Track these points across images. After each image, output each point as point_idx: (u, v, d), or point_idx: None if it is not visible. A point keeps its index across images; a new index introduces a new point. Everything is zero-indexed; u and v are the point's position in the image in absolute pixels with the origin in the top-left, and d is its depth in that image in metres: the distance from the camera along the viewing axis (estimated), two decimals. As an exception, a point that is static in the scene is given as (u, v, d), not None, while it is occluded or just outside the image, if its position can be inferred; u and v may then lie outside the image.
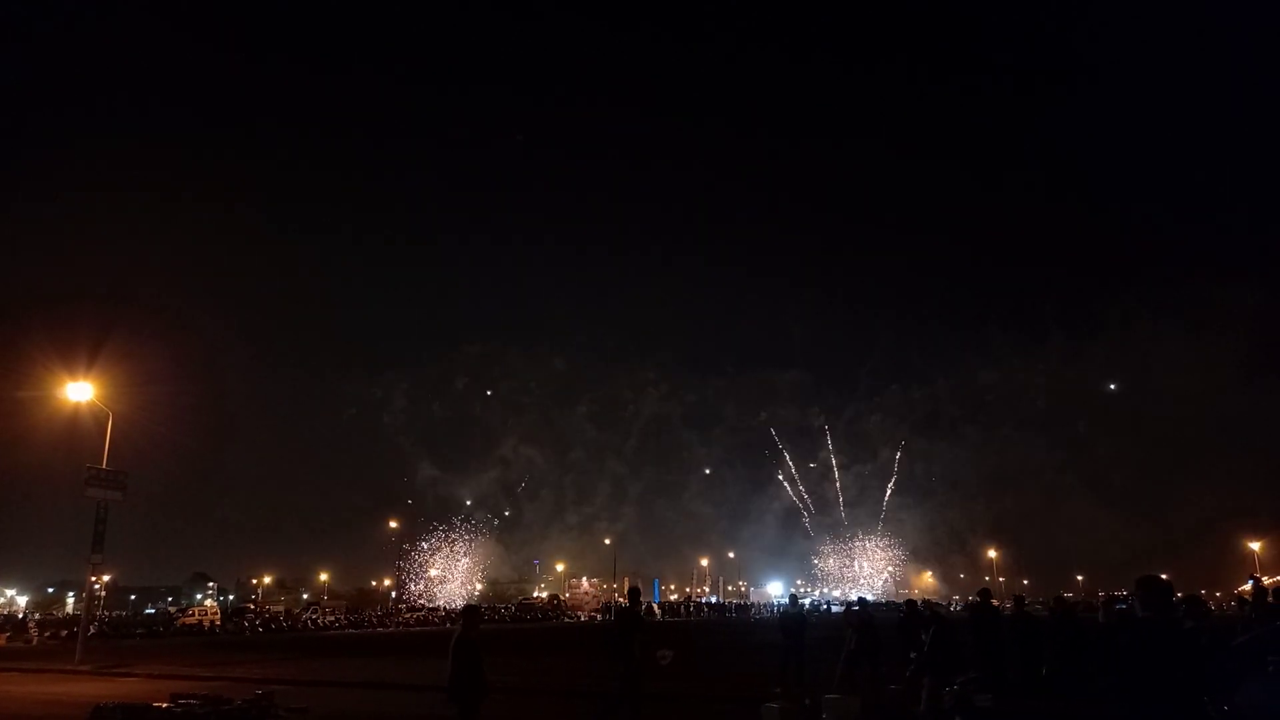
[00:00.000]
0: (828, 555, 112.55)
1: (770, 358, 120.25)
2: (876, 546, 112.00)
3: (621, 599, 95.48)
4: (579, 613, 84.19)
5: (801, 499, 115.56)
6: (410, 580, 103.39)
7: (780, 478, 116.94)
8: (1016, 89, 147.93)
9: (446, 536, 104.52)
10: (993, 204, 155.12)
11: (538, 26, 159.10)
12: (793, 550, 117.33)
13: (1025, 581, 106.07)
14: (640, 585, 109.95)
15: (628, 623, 12.60)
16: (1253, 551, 75.20)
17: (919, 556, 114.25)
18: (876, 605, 76.05)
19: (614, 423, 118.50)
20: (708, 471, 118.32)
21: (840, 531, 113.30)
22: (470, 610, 10.31)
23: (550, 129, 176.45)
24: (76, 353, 36.63)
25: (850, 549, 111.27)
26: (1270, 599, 15.05)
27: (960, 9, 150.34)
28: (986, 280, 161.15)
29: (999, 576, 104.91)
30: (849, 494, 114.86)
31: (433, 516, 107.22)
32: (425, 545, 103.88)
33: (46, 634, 52.04)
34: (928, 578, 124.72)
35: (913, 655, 13.48)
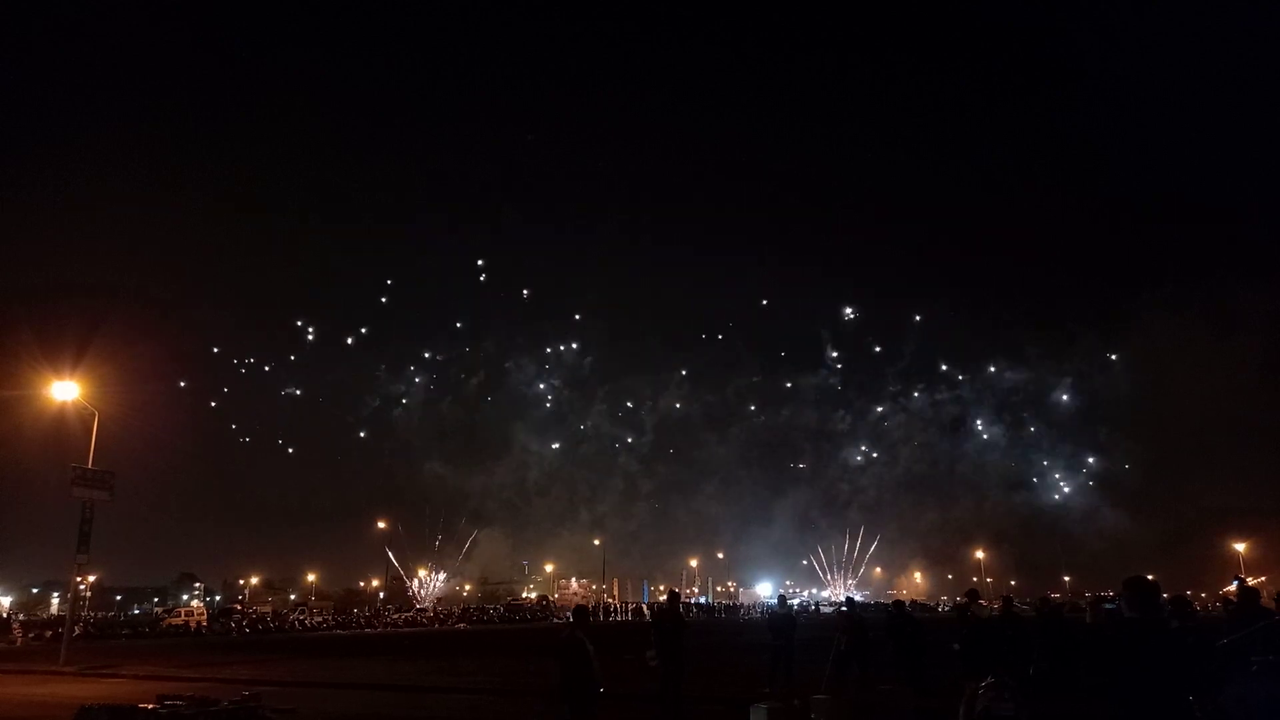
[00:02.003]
0: (830, 555, 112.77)
1: (797, 359, 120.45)
2: (885, 547, 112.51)
3: (611, 599, 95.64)
4: (568, 614, 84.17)
5: (816, 501, 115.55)
6: (400, 580, 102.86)
7: (795, 479, 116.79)
8: (1043, 87, 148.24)
9: (449, 536, 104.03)
10: (1019, 207, 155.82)
11: (549, 25, 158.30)
12: (804, 553, 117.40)
13: (1013, 582, 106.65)
14: (630, 586, 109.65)
15: (674, 621, 13.70)
16: (1237, 552, 75.86)
17: (930, 556, 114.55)
18: (865, 606, 76.26)
19: (631, 421, 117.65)
20: (721, 472, 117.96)
21: (852, 533, 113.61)
22: (580, 610, 10.62)
23: (568, 124, 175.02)
24: (62, 351, 36.51)
25: (855, 549, 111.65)
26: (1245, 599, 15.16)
27: (982, 8, 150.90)
28: (1013, 282, 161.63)
29: (987, 577, 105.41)
30: (868, 495, 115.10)
31: (435, 515, 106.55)
32: (420, 545, 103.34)
33: (31, 635, 51.66)
34: (916, 578, 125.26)
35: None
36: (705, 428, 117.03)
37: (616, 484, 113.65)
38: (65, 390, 31.70)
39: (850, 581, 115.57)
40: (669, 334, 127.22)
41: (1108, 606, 17.86)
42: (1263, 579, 67.04)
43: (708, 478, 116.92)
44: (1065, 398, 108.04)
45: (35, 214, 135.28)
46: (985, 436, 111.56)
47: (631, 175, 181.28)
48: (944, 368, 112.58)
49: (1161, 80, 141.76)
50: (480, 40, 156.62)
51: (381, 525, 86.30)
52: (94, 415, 31.57)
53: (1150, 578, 6.06)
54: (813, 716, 13.14)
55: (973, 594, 17.63)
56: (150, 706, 13.78)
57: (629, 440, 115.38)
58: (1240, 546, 76.25)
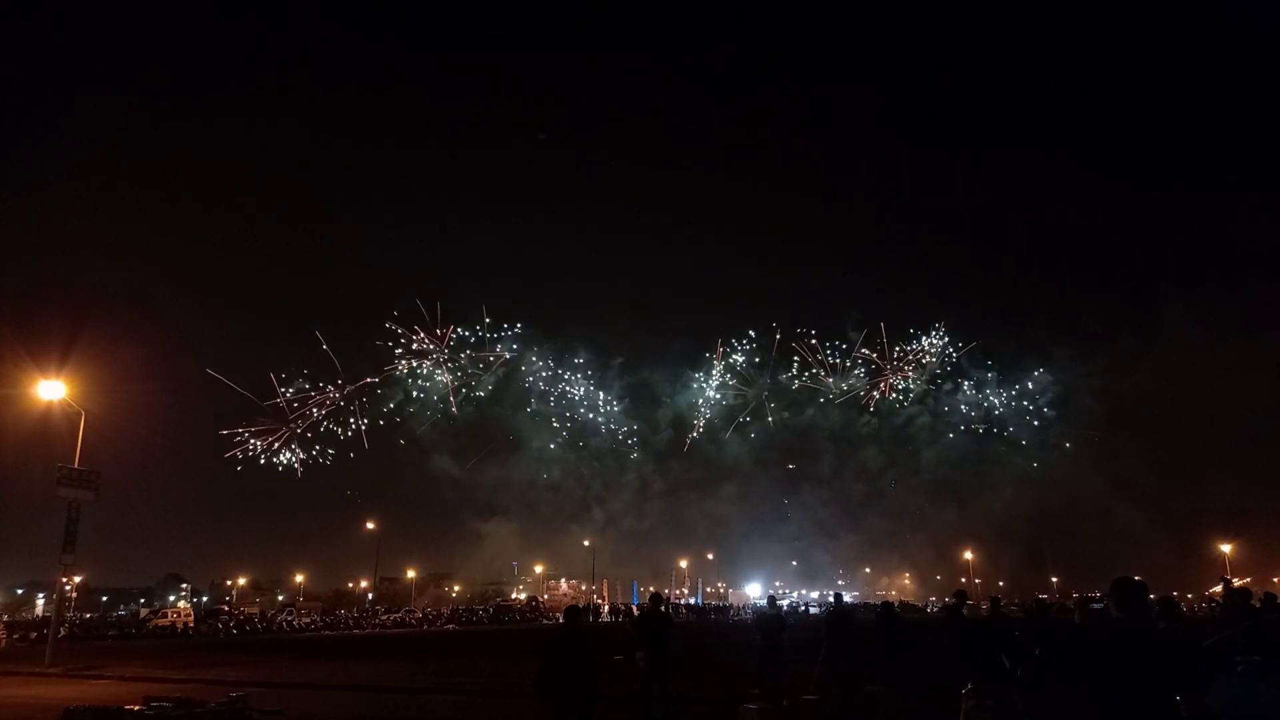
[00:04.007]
0: (831, 553, 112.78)
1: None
2: (879, 546, 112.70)
3: (601, 600, 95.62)
4: (557, 614, 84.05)
5: (825, 501, 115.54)
6: (389, 581, 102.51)
7: (804, 480, 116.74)
8: (1069, 89, 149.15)
9: (453, 532, 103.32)
10: (1040, 207, 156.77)
11: (564, 23, 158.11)
12: (814, 557, 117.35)
13: (1001, 583, 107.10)
14: (620, 587, 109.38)
15: (659, 620, 13.73)
16: (1224, 554, 76.44)
17: (937, 552, 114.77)
18: (854, 606, 76.35)
19: (647, 421, 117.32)
20: (727, 473, 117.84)
21: (867, 532, 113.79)
22: (573, 610, 10.49)
23: (592, 126, 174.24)
24: (48, 350, 36.11)
25: (862, 549, 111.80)
26: (1238, 599, 15.30)
27: (1004, 15, 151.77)
28: (1039, 285, 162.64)
29: (975, 578, 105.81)
30: (887, 496, 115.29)
31: (442, 512, 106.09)
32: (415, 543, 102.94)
33: (15, 636, 51.30)
34: (906, 579, 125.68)
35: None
36: (721, 429, 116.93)
37: (619, 484, 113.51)
38: (52, 389, 31.47)
39: (840, 581, 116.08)
40: (691, 332, 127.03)
41: (1095, 606, 17.95)
42: (1248, 580, 67.59)
43: (714, 479, 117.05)
44: (1087, 398, 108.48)
45: (22, 211, 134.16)
46: (1016, 441, 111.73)
47: (650, 173, 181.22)
48: (966, 366, 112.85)
49: (1183, 76, 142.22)
50: (499, 34, 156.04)
51: (370, 525, 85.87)
52: (81, 415, 31.37)
53: (1137, 578, 6.10)
54: (802, 716, 13.18)
55: (961, 594, 17.69)
56: (136, 708, 13.69)
57: (637, 440, 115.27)
58: (1227, 548, 76.84)
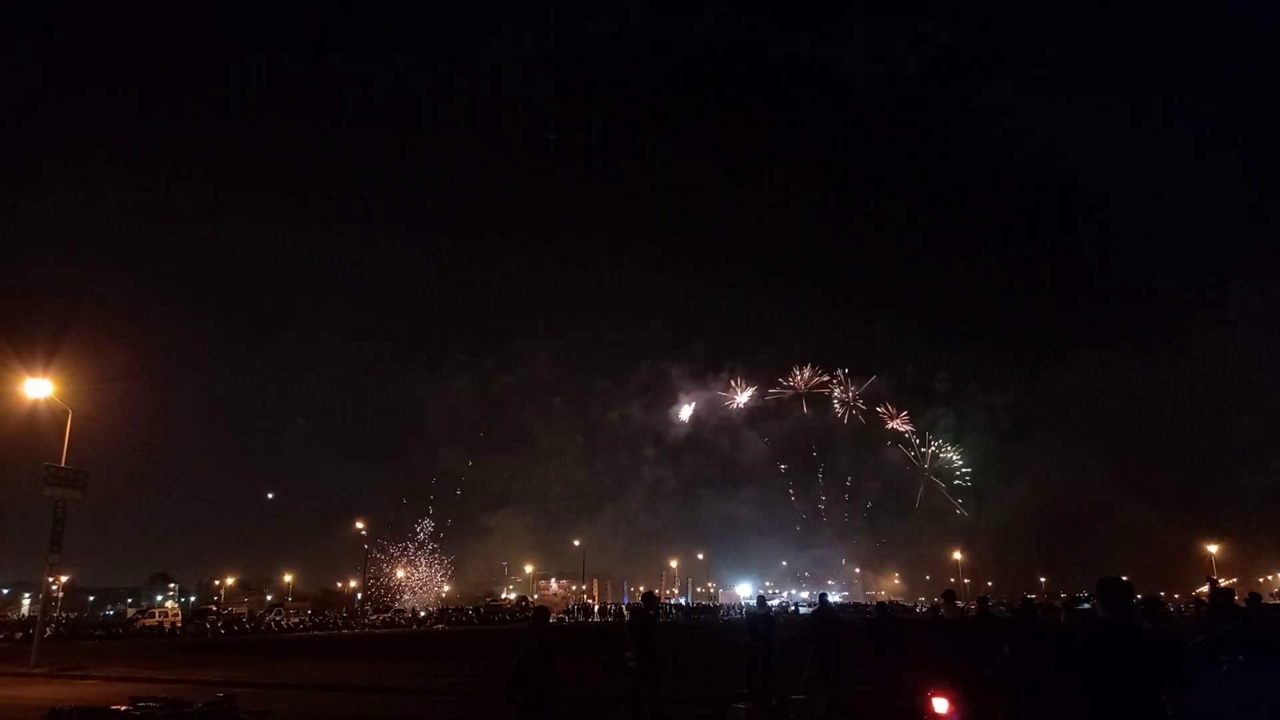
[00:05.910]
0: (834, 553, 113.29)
1: (848, 365, 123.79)
2: (872, 546, 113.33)
3: (591, 600, 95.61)
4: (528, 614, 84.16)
5: (844, 502, 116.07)
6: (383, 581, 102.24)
7: (824, 481, 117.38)
8: (1085, 93, 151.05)
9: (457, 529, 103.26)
10: (1057, 212, 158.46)
11: (578, 25, 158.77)
12: (828, 558, 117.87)
13: (990, 583, 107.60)
14: (611, 587, 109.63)
15: (647, 620, 13.89)
16: (1210, 554, 76.93)
17: (936, 557, 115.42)
18: (842, 606, 76.63)
19: (660, 419, 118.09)
20: (743, 473, 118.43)
21: (877, 532, 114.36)
22: (540, 610, 10.58)
23: (613, 130, 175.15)
24: (35, 348, 35.79)
25: (862, 549, 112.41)
26: (1221, 599, 15.39)
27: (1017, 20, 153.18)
28: (1057, 288, 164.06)
29: (964, 578, 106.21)
30: (907, 496, 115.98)
31: (444, 508, 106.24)
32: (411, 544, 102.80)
33: (0, 636, 50.88)
34: (895, 578, 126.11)
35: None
36: (749, 429, 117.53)
37: (631, 481, 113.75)
38: (38, 388, 31.23)
39: (830, 581, 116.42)
40: (711, 343, 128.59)
41: (1082, 607, 18.01)
42: (1233, 580, 68.04)
43: (720, 479, 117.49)
44: (1118, 403, 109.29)
45: (10, 210, 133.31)
46: (1038, 441, 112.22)
47: (660, 176, 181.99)
48: (1007, 376, 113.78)
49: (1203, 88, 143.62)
50: (508, 46, 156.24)
51: (360, 526, 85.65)
52: (68, 413, 31.15)
53: (1123, 579, 6.14)
54: (790, 716, 13.19)
55: (949, 594, 17.72)
56: (123, 708, 13.60)
57: (639, 445, 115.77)
58: (1213, 549, 77.35)
